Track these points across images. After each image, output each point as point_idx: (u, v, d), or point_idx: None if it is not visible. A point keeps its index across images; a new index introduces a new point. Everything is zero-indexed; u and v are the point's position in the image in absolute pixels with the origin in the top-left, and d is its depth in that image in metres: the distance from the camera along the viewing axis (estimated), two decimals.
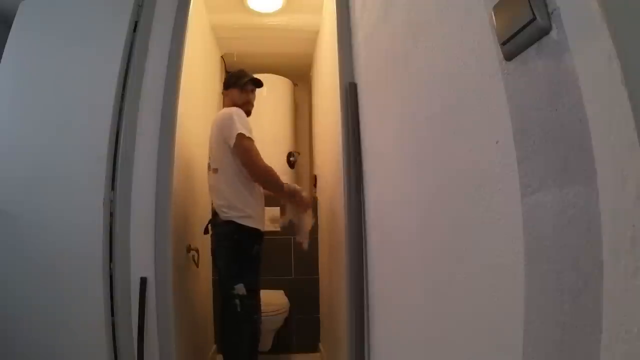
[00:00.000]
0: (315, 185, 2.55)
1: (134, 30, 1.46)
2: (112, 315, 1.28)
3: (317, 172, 2.60)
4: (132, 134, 1.37)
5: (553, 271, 0.40)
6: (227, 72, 3.02)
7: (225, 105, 1.89)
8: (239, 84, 1.87)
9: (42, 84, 1.44)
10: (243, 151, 1.65)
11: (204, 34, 2.24)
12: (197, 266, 1.91)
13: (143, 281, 1.30)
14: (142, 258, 1.32)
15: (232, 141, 1.63)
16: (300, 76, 3.01)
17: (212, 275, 2.40)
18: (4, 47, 1.49)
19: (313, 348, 2.42)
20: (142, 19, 1.47)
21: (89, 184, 1.33)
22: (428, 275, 0.74)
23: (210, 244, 1.82)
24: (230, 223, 1.66)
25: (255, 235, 1.72)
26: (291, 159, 2.76)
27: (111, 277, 1.29)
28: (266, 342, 2.15)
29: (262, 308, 1.97)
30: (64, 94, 1.42)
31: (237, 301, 1.63)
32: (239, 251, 1.67)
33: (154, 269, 1.31)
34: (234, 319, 1.65)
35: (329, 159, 1.89)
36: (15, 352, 1.28)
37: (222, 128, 1.71)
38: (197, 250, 1.88)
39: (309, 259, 2.51)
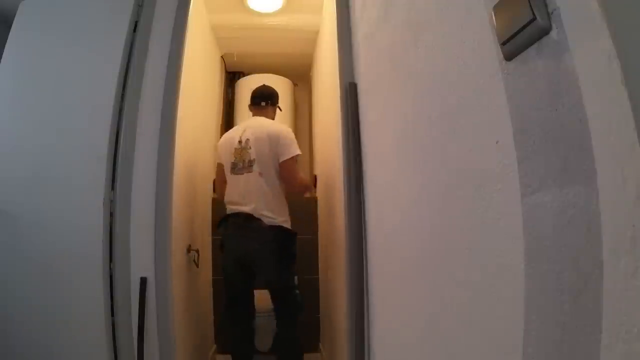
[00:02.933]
0: (315, 185, 2.55)
1: (134, 30, 1.46)
2: (112, 315, 1.28)
3: (317, 172, 2.60)
4: (132, 134, 1.37)
5: (553, 271, 0.40)
6: (227, 72, 3.03)
7: (269, 117, 1.98)
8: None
9: (42, 84, 1.44)
10: (292, 169, 1.81)
11: (204, 34, 2.24)
12: (197, 266, 1.91)
13: (143, 281, 1.30)
14: (142, 258, 1.32)
15: (286, 157, 1.79)
16: (300, 76, 3.01)
17: (212, 275, 2.40)
18: (4, 47, 1.49)
19: (313, 348, 2.42)
20: (142, 19, 1.47)
21: (89, 184, 1.33)
22: (428, 275, 0.74)
23: (240, 245, 1.76)
24: (277, 228, 1.75)
25: (295, 236, 1.85)
26: None
27: (111, 277, 1.29)
28: (266, 342, 2.15)
29: (262, 308, 1.99)
30: (64, 94, 1.42)
31: (297, 291, 1.81)
32: (290, 251, 1.81)
33: (154, 269, 1.31)
34: (294, 310, 1.81)
35: (329, 159, 1.89)
36: (15, 352, 1.28)
37: (281, 141, 1.81)
38: (197, 251, 1.88)
39: (309, 259, 2.50)
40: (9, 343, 1.29)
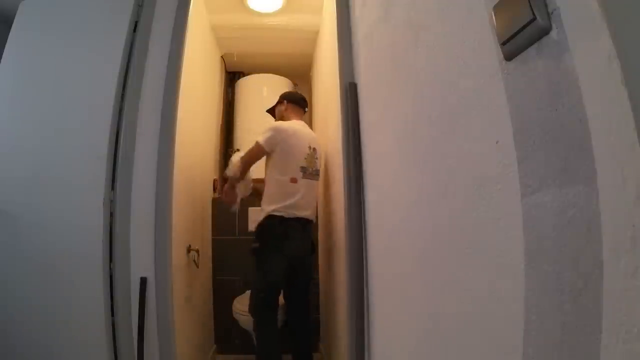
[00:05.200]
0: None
1: (134, 30, 1.46)
2: (112, 315, 1.28)
3: None
4: (132, 134, 1.37)
5: (553, 271, 0.40)
6: (227, 72, 3.03)
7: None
8: None
9: (42, 84, 1.45)
10: None
11: (204, 34, 2.24)
12: (197, 266, 1.91)
13: (143, 281, 1.30)
14: (142, 258, 1.32)
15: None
16: (300, 76, 3.01)
17: (212, 276, 2.40)
18: (4, 47, 1.49)
19: (313, 348, 2.42)
20: (142, 19, 1.47)
21: (89, 184, 1.33)
22: (428, 275, 0.74)
23: (299, 248, 1.81)
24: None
25: None
26: None
27: (111, 277, 1.29)
28: None
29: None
30: (64, 94, 1.42)
31: None
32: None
33: (154, 269, 1.31)
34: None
35: (329, 159, 1.89)
36: (15, 352, 1.28)
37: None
38: (197, 251, 1.89)
39: None
40: (9, 343, 1.29)
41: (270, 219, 1.75)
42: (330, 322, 1.94)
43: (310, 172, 1.85)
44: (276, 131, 1.82)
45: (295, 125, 1.91)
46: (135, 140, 1.37)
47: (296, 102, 2.02)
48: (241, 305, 2.08)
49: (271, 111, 2.11)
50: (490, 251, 0.52)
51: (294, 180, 1.79)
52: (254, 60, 2.92)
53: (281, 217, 1.75)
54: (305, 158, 1.84)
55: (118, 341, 1.27)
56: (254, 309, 1.79)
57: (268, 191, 1.80)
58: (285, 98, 2.02)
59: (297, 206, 1.78)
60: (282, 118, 1.99)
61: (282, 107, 2.01)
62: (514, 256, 0.46)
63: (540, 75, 0.43)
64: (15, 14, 1.53)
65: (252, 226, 2.47)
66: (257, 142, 1.80)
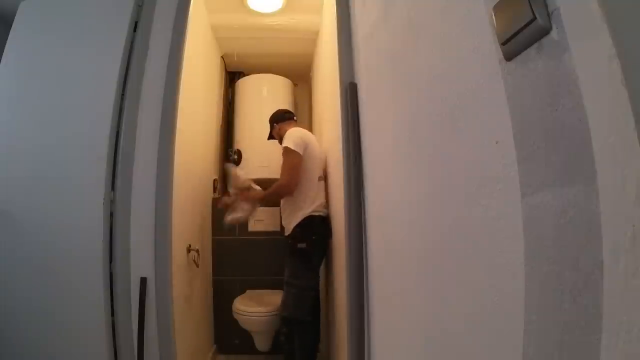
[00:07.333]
0: None
1: (134, 30, 1.46)
2: (112, 315, 1.28)
3: None
4: (132, 134, 1.37)
5: (553, 271, 0.40)
6: (227, 72, 3.03)
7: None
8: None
9: (42, 84, 1.44)
10: None
11: (204, 34, 2.24)
12: (197, 266, 1.92)
13: (143, 281, 1.30)
14: (142, 258, 1.32)
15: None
16: (300, 76, 3.01)
17: (212, 276, 2.40)
18: (4, 47, 1.49)
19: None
20: (142, 19, 1.47)
21: (89, 184, 1.33)
22: (428, 275, 0.74)
23: (322, 247, 1.88)
24: None
25: None
26: None
27: (111, 277, 1.29)
28: (265, 342, 2.15)
29: (262, 308, 2.00)
30: (64, 94, 1.42)
31: None
32: None
33: (154, 269, 1.31)
34: None
35: (329, 159, 1.89)
36: (15, 352, 1.28)
37: None
38: (197, 251, 1.89)
39: None
40: (9, 343, 1.29)
41: (311, 218, 1.81)
42: (330, 322, 1.94)
43: (321, 176, 1.92)
44: (297, 133, 1.91)
45: (306, 131, 2.01)
46: (135, 140, 1.37)
47: (282, 118, 2.10)
48: (241, 305, 2.09)
49: (271, 137, 2.17)
50: (490, 251, 0.52)
51: (321, 179, 1.90)
52: (254, 60, 2.92)
53: (320, 216, 1.83)
54: (320, 158, 1.93)
55: (118, 341, 1.27)
56: (305, 309, 1.79)
57: (301, 193, 1.85)
58: (273, 121, 2.12)
59: (325, 205, 1.87)
60: (282, 137, 2.04)
61: (276, 130, 2.10)
62: (514, 256, 0.46)
63: (540, 75, 0.43)
64: (15, 14, 1.53)
65: (252, 226, 2.48)
66: (289, 149, 1.81)
